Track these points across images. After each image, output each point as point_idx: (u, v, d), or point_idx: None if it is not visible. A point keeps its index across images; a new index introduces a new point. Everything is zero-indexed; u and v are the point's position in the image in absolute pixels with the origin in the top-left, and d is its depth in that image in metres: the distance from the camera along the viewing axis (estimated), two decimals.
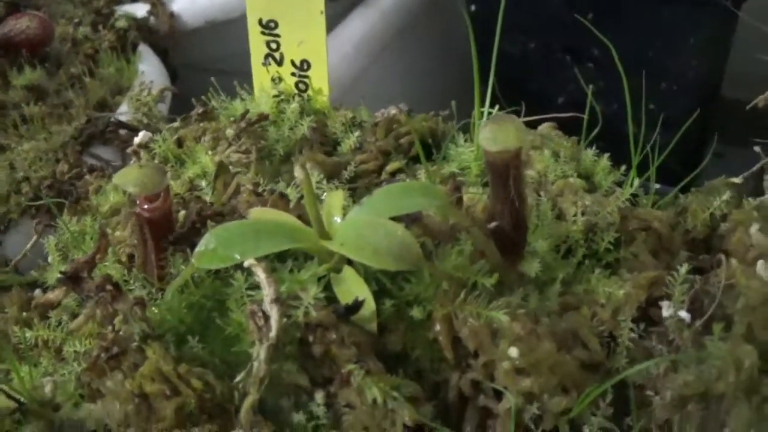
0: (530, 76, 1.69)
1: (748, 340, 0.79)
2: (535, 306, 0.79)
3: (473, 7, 1.65)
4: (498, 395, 0.74)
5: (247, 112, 1.03)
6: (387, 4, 1.68)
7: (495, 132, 0.73)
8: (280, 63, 1.09)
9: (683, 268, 0.82)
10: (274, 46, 1.08)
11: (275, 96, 1.08)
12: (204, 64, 1.73)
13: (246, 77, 1.48)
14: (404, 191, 0.77)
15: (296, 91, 1.09)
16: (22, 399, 0.81)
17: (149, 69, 1.48)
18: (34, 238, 1.06)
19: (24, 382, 0.84)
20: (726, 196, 0.93)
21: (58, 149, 1.30)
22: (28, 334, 0.89)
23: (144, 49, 1.54)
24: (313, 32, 1.05)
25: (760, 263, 0.84)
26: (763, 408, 0.75)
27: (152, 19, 1.63)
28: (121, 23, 1.55)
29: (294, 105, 1.05)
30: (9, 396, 0.81)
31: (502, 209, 0.78)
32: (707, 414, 0.76)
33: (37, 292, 0.98)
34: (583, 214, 0.89)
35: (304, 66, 1.07)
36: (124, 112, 1.37)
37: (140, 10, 1.65)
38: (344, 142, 1.03)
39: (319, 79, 1.08)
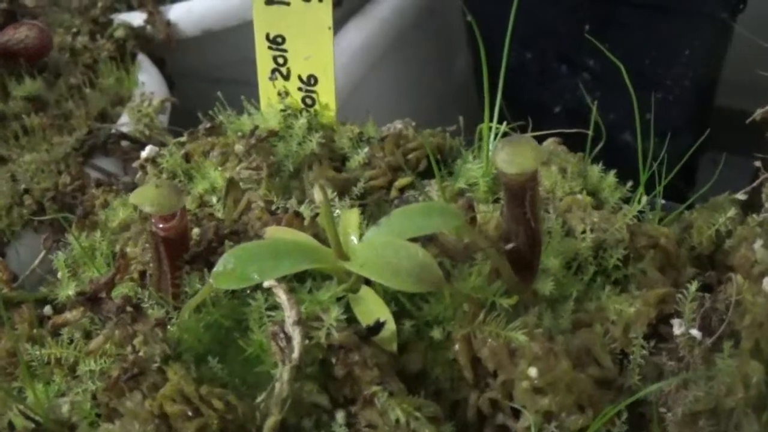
0: (526, 85, 1.71)
1: (755, 356, 0.80)
2: (549, 324, 0.81)
3: (469, 17, 1.66)
4: (516, 414, 0.75)
5: (256, 128, 1.03)
6: (384, 13, 1.69)
7: (512, 154, 0.74)
8: (286, 77, 1.09)
9: (693, 286, 0.83)
10: (281, 60, 1.08)
11: (282, 111, 1.08)
12: (200, 72, 1.73)
13: (243, 86, 1.48)
14: (422, 212, 0.78)
15: (303, 106, 1.10)
16: (39, 419, 0.81)
17: (148, 79, 1.48)
18: (42, 253, 1.06)
19: (40, 401, 0.84)
20: (731, 213, 0.94)
21: (60, 161, 1.29)
22: (40, 351, 0.89)
23: (142, 59, 1.54)
24: (320, 47, 1.05)
25: (766, 280, 0.86)
26: None
27: (149, 27, 1.63)
28: (120, 33, 1.54)
29: (302, 120, 1.05)
30: (26, 416, 0.82)
31: (518, 229, 0.79)
32: (718, 430, 0.78)
33: (47, 309, 0.98)
34: (591, 231, 0.90)
35: (311, 81, 1.08)
36: (125, 123, 1.36)
37: (136, 19, 1.64)
38: (353, 158, 1.03)
39: (326, 94, 1.08)
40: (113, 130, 1.34)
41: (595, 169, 1.02)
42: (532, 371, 0.73)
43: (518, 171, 0.74)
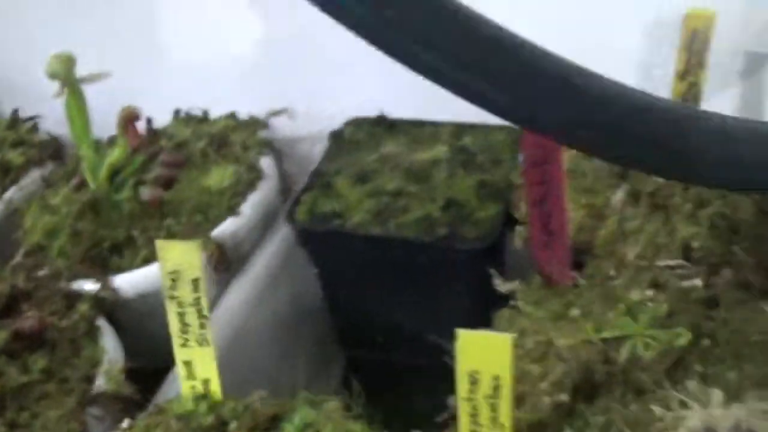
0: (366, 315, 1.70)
1: None
2: None
3: (318, 270, 1.71)
4: None
5: None
6: (257, 271, 1.92)
7: None
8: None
9: None
10: None
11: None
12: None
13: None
14: None
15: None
16: None
17: (109, 343, 1.92)
18: None
19: None
20: None
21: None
22: None
23: (102, 323, 1.82)
24: None
25: None
26: None
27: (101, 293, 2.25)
28: (84, 308, 2.31)
29: None
30: None
31: None
32: None
33: None
34: None
35: None
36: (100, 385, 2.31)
37: (89, 285, 1.87)
38: None
39: None
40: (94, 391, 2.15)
41: None
42: None
43: None
